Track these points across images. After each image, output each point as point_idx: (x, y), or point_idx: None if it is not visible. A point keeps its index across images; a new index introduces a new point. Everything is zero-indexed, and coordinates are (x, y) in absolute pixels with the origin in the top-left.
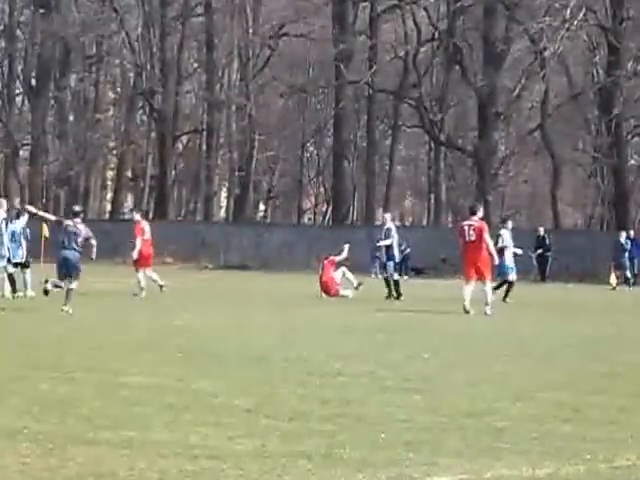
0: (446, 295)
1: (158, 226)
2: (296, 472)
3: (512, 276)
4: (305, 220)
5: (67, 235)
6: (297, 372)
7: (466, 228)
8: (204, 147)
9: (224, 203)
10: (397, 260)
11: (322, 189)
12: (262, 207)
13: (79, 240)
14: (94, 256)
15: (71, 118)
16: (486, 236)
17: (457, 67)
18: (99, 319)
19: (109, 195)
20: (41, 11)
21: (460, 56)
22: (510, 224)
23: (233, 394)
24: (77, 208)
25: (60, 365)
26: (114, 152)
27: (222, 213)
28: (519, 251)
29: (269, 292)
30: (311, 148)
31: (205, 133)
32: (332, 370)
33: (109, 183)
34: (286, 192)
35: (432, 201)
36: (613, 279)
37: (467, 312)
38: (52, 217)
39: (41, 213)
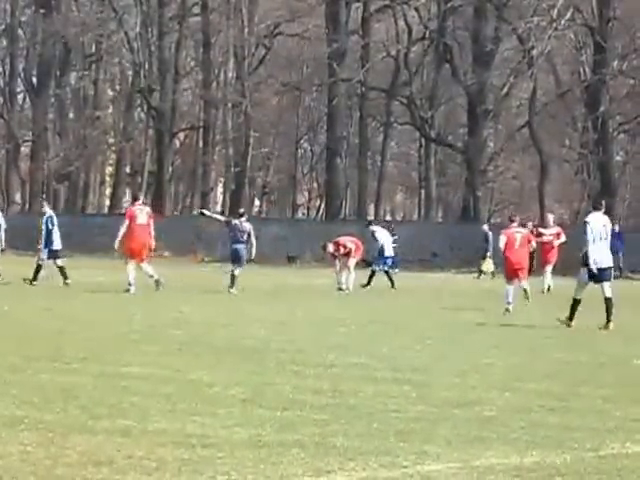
0: (437, 288)
1: (155, 220)
2: (290, 460)
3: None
4: (299, 215)
5: (235, 232)
6: (291, 363)
7: (137, 213)
8: (201, 144)
9: (220, 198)
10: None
11: (315, 185)
12: (257, 202)
13: (245, 236)
14: (253, 255)
15: (71, 115)
16: (151, 221)
17: (447, 66)
18: (98, 311)
19: (108, 190)
20: (42, 11)
21: (450, 55)
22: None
23: (229, 384)
24: (242, 210)
25: (60, 356)
26: (113, 148)
27: (218, 208)
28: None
29: (264, 285)
30: (305, 145)
31: (202, 130)
32: (325, 361)
33: (108, 178)
34: (280, 188)
35: (422, 196)
36: (489, 266)
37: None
38: (222, 218)
39: (215, 216)
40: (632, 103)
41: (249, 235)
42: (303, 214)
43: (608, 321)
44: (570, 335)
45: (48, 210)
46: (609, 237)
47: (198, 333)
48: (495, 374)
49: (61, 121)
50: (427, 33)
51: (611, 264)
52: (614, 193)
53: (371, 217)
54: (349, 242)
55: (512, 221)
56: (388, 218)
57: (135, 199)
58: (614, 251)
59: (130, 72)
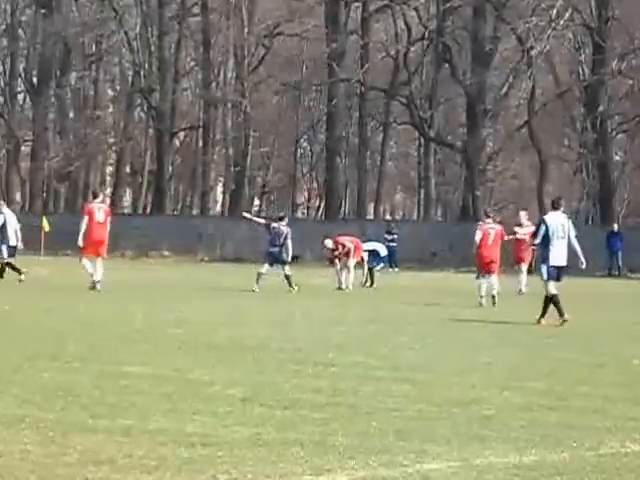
0: (436, 287)
1: (156, 220)
2: (290, 459)
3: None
4: (299, 214)
5: (273, 235)
6: (291, 362)
7: (95, 211)
8: (200, 143)
9: (220, 198)
10: None
11: (315, 184)
12: (257, 202)
13: (282, 239)
14: (289, 257)
15: (71, 115)
16: (108, 219)
17: (446, 65)
18: (99, 311)
19: (108, 190)
20: (42, 11)
21: (449, 55)
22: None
23: (228, 383)
24: (282, 213)
25: (61, 355)
26: (113, 148)
27: (218, 207)
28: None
29: (264, 284)
30: (304, 144)
31: (201, 130)
32: (325, 360)
33: (108, 178)
34: (280, 187)
35: (422, 196)
36: None
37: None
38: (262, 221)
39: (255, 219)
40: (631, 103)
41: (285, 237)
42: (303, 213)
43: (561, 314)
44: (570, 334)
45: (4, 209)
46: (566, 236)
47: (198, 332)
48: (494, 373)
49: (61, 121)
50: (426, 33)
51: (565, 264)
52: (613, 193)
53: (370, 217)
54: (348, 242)
55: (487, 216)
56: (388, 217)
57: (95, 196)
58: (614, 250)
59: (130, 72)
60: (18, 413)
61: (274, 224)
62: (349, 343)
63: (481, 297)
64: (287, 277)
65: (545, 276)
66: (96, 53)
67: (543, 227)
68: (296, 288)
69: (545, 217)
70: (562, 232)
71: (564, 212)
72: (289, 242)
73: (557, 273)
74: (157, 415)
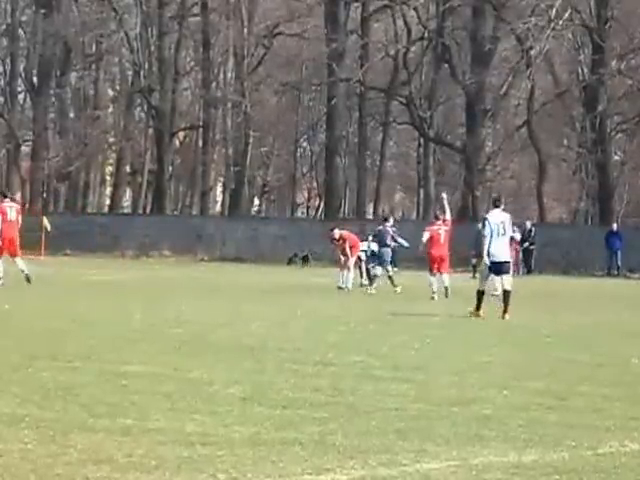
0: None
1: (156, 220)
2: (289, 459)
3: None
4: (298, 214)
5: (381, 236)
6: (290, 362)
7: (7, 210)
8: (200, 143)
9: (220, 197)
10: None
11: (315, 184)
12: (257, 201)
13: (389, 238)
14: (405, 244)
15: (71, 115)
16: (19, 218)
17: (446, 65)
18: (99, 310)
19: (108, 190)
20: (42, 11)
21: (449, 55)
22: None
23: (228, 383)
24: (386, 215)
25: (61, 355)
26: (113, 148)
27: (218, 207)
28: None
29: (263, 284)
30: (304, 144)
31: (201, 129)
32: (325, 360)
33: (108, 178)
34: (280, 187)
35: (421, 196)
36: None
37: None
38: (370, 238)
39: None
40: (630, 103)
41: (392, 237)
42: (302, 213)
43: (504, 311)
44: (569, 334)
45: None
46: (507, 233)
47: (198, 332)
48: (494, 372)
49: (61, 121)
50: (426, 33)
51: (508, 259)
52: (612, 192)
53: (370, 216)
54: (348, 238)
55: (437, 218)
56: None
57: (4, 196)
58: (613, 250)
59: (130, 72)
60: (18, 412)
61: (379, 227)
62: (348, 342)
63: (433, 293)
64: (390, 278)
65: (485, 271)
66: (96, 53)
67: (486, 224)
68: (399, 288)
69: (487, 215)
70: (502, 229)
71: (504, 210)
72: (397, 239)
73: (497, 268)
74: (157, 414)
